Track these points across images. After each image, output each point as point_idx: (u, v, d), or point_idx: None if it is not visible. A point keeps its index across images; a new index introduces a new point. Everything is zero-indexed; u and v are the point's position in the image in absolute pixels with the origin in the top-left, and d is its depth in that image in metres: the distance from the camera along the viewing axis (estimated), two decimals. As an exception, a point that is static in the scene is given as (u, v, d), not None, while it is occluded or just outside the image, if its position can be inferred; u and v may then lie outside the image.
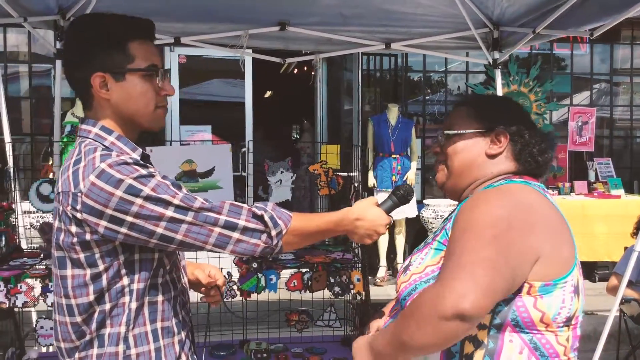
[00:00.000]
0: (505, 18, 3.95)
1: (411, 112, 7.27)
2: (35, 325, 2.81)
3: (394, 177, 6.13)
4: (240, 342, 3.23)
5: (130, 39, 1.52)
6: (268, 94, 11.46)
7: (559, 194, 6.48)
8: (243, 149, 6.14)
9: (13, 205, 3.45)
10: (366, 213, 1.68)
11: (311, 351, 3.14)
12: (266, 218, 1.51)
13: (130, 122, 1.57)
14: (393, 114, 6.25)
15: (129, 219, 1.40)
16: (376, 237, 1.71)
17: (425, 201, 6.48)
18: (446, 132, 1.60)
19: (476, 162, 1.55)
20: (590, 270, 6.40)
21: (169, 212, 1.42)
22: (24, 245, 3.67)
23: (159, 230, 1.42)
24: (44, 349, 3.14)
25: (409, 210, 6.20)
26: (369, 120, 6.35)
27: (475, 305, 1.24)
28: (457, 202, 1.62)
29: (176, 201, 1.43)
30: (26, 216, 4.08)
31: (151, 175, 1.44)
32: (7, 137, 4.14)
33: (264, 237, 1.51)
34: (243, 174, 6.08)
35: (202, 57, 7.00)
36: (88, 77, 1.50)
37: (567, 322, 1.39)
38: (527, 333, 1.37)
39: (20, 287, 2.62)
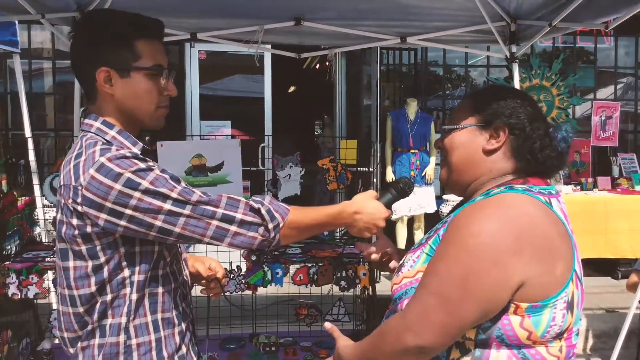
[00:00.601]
0: (523, 11, 3.89)
1: (431, 107, 7.22)
2: (50, 316, 2.88)
3: (412, 172, 6.09)
4: (250, 336, 3.26)
5: (137, 37, 1.56)
6: (292, 89, 11.48)
7: (582, 189, 6.35)
8: (262, 144, 6.18)
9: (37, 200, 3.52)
10: (365, 206, 1.69)
11: (320, 345, 3.15)
12: (263, 211, 1.53)
13: (131, 119, 1.60)
14: (412, 108, 6.22)
15: (128, 212, 1.43)
16: (375, 230, 1.72)
17: (445, 196, 6.43)
18: (444, 127, 1.57)
19: (474, 159, 1.50)
20: (613, 267, 6.28)
21: (167, 205, 1.45)
22: (45, 239, 3.74)
23: (158, 223, 1.45)
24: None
25: (428, 205, 6.17)
26: (387, 115, 6.32)
27: (433, 343, 1.31)
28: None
29: (174, 194, 1.45)
30: (51, 210, 4.16)
31: (150, 169, 1.47)
32: (27, 132, 4.24)
33: (261, 230, 1.53)
34: (262, 168, 6.11)
35: (223, 52, 7.06)
36: (93, 72, 1.54)
37: (559, 336, 1.35)
38: (515, 347, 1.34)
39: (32, 278, 2.69)
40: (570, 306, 1.34)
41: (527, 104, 1.50)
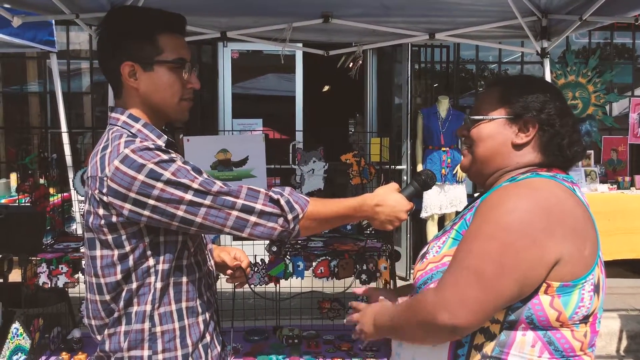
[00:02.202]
0: (553, 5, 3.82)
1: (463, 104, 7.15)
2: (80, 306, 2.97)
3: (443, 171, 6.05)
4: (273, 328, 3.30)
5: (160, 32, 1.60)
6: (325, 88, 11.50)
7: (619, 188, 6.22)
8: (294, 142, 6.21)
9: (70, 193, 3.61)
10: (386, 199, 1.69)
11: (342, 338, 3.17)
12: (282, 202, 1.55)
13: (156, 112, 1.64)
14: (443, 106, 6.18)
15: (151, 202, 1.47)
16: (397, 223, 1.71)
17: (477, 194, 6.36)
18: (472, 117, 1.56)
19: (501, 151, 1.50)
20: (650, 267, 6.14)
21: (189, 196, 1.48)
22: (80, 231, 3.84)
23: (180, 213, 1.48)
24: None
25: (459, 204, 6.11)
26: (418, 113, 6.30)
27: (468, 323, 1.30)
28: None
29: (195, 185, 1.49)
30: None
31: (172, 160, 1.51)
32: (63, 127, 4.39)
33: (280, 220, 1.55)
34: (294, 166, 6.14)
35: (255, 52, 7.13)
36: (118, 66, 1.58)
37: (585, 320, 1.36)
38: (541, 329, 1.34)
39: (61, 268, 2.79)
40: (596, 289, 1.36)
41: (556, 98, 1.50)
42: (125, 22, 1.62)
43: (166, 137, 1.65)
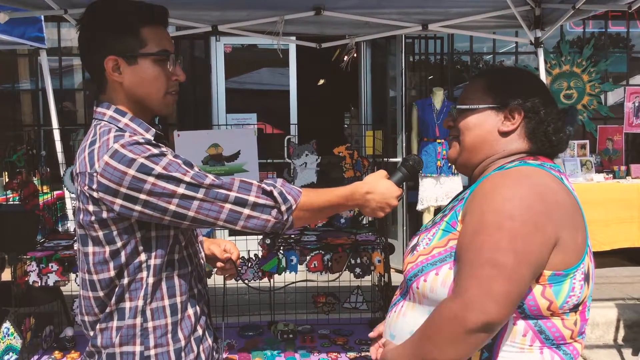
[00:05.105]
0: (547, -6, 3.81)
1: (458, 96, 7.11)
2: (73, 304, 2.95)
3: (439, 162, 6.03)
4: (268, 323, 3.28)
5: (142, 24, 1.57)
6: (320, 82, 11.45)
7: (614, 177, 6.22)
8: (288, 136, 6.18)
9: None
10: (377, 186, 1.70)
11: (337, 333, 3.16)
12: (275, 194, 1.54)
13: (142, 106, 1.62)
14: (438, 98, 6.16)
15: (143, 196, 1.45)
16: (388, 209, 1.72)
17: (472, 186, 6.34)
18: (458, 106, 1.56)
19: (488, 139, 1.50)
20: (647, 256, 6.13)
21: (181, 190, 1.46)
22: (73, 229, 3.82)
23: (172, 207, 1.47)
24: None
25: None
26: (413, 105, 6.28)
27: (499, 316, 1.27)
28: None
29: (187, 179, 1.47)
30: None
31: (162, 154, 1.49)
32: (54, 123, 4.36)
33: (274, 212, 1.54)
34: (288, 160, 6.11)
35: (248, 46, 7.09)
36: (101, 61, 1.55)
37: (575, 309, 1.36)
38: (532, 318, 1.34)
39: (52, 266, 2.76)
40: (587, 278, 1.37)
41: (540, 88, 1.53)
42: (106, 16, 1.58)
43: (154, 130, 1.62)
